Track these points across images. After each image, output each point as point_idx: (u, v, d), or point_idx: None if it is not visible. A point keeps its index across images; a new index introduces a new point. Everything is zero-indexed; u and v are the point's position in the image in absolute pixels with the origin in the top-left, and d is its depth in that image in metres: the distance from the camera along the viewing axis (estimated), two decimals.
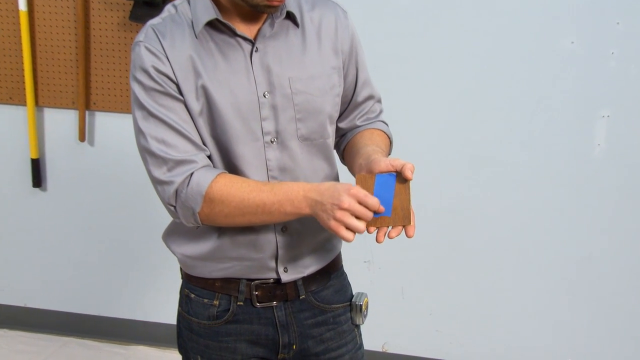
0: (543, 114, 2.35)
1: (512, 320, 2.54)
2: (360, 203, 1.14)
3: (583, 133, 2.35)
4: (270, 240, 1.31)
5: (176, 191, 1.21)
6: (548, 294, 2.49)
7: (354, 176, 1.28)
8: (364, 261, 2.57)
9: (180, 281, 1.44)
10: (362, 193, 1.14)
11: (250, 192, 1.19)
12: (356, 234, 1.15)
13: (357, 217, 1.15)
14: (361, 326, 1.48)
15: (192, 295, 1.38)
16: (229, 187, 1.20)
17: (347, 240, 1.15)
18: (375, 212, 1.16)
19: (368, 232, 1.19)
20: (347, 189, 1.14)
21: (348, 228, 1.14)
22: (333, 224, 1.14)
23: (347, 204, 1.13)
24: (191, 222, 1.24)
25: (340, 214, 1.13)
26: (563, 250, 2.45)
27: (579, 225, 2.42)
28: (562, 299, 2.49)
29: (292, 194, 1.18)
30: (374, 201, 1.15)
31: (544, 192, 2.42)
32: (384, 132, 1.44)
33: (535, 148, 2.38)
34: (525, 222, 2.45)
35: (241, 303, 1.35)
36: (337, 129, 1.43)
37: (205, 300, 1.36)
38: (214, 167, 1.26)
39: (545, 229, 2.45)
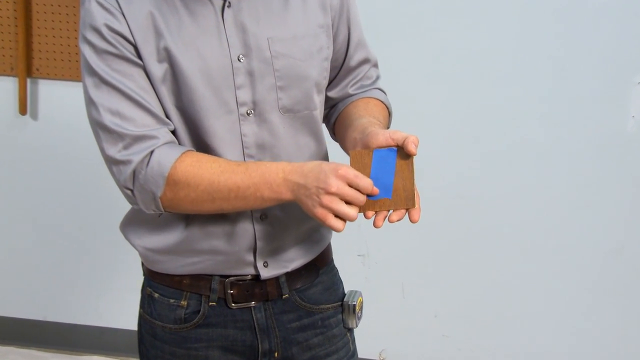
0: (567, 80, 2.36)
1: (530, 323, 2.56)
2: (350, 185, 1.15)
3: (615, 103, 2.36)
4: (247, 230, 1.31)
5: (134, 172, 1.21)
6: (572, 293, 2.52)
7: (347, 153, 1.28)
8: (358, 255, 2.58)
9: (141, 278, 1.44)
10: (351, 173, 1.15)
11: (221, 173, 1.20)
12: (349, 221, 1.16)
13: (348, 202, 1.16)
14: (355, 330, 1.49)
15: (156, 295, 1.38)
16: (196, 167, 1.20)
17: (337, 230, 1.17)
18: (369, 195, 1.17)
19: (366, 217, 1.20)
20: (335, 169, 1.15)
21: (337, 216, 1.16)
22: (319, 211, 1.15)
23: (335, 187, 1.14)
24: (152, 208, 1.24)
25: (327, 200, 1.14)
26: (590, 242, 2.47)
27: (608, 212, 2.44)
28: (587, 299, 2.51)
29: (271, 176, 1.18)
30: (366, 182, 1.16)
31: (567, 173, 2.43)
32: (382, 102, 1.44)
33: (557, 121, 2.39)
34: (545, 208, 2.47)
35: (213, 303, 1.35)
36: (327, 99, 1.43)
37: (171, 301, 1.36)
38: (179, 144, 1.26)
39: (568, 217, 2.47)
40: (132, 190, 1.23)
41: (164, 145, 1.21)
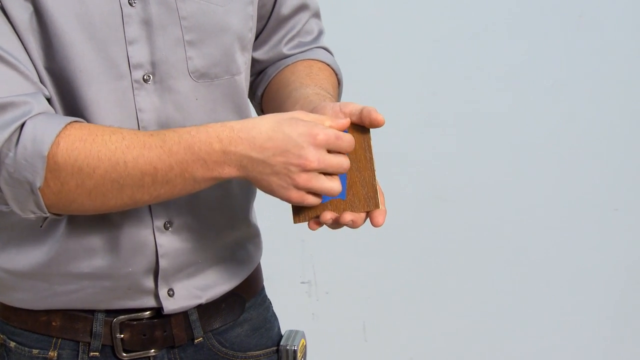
0: (565, 70, 2.41)
1: None
2: (329, 150, 1.18)
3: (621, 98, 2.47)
4: (146, 243, 1.30)
5: None
6: (592, 322, 2.58)
7: None
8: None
9: None
10: (332, 135, 1.17)
11: (127, 149, 1.17)
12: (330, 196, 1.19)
13: (327, 174, 1.19)
14: None
15: (12, 344, 1.35)
16: (88, 142, 1.17)
17: (313, 205, 1.20)
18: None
19: (311, 227, 1.22)
20: (311, 135, 1.15)
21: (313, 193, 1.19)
22: (294, 195, 1.18)
23: (316, 161, 1.16)
24: (29, 208, 1.20)
25: (305, 179, 1.17)
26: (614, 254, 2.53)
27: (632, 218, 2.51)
28: (606, 340, 2.58)
29: (202, 149, 1.17)
30: (348, 140, 1.18)
31: (587, 166, 2.50)
32: (329, 65, 1.45)
33: (576, 90, 2.46)
34: (558, 212, 2.52)
35: (96, 354, 1.34)
36: (252, 63, 1.44)
37: (35, 352, 1.34)
38: None
39: (588, 223, 2.53)
40: None
41: (39, 115, 1.18)
